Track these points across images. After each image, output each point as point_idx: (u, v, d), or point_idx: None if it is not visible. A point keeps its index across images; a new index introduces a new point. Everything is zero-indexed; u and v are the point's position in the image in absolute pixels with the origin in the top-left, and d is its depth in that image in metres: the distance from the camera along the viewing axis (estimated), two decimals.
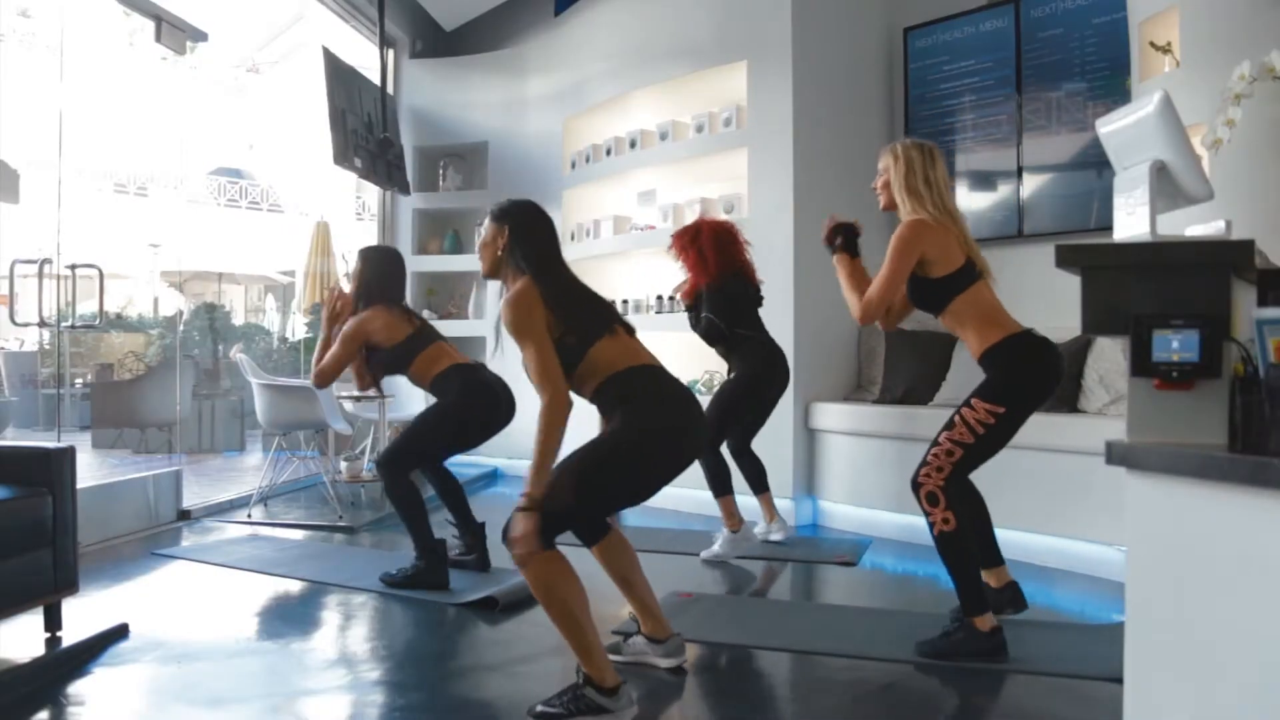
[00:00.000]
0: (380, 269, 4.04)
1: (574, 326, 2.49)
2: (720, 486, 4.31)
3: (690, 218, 5.87)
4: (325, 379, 3.91)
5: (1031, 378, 2.91)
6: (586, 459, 2.42)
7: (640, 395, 2.49)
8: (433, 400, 4.00)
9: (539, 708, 2.40)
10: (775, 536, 4.54)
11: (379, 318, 3.88)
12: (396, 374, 4.02)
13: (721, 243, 4.33)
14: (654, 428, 2.47)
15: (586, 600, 2.40)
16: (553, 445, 2.36)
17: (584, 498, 2.40)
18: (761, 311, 4.47)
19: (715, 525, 4.54)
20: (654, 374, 2.56)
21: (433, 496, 4.11)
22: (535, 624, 3.20)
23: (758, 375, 4.36)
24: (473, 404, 3.87)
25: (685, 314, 4.58)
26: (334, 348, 3.87)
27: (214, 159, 17.75)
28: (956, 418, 2.90)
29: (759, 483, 4.56)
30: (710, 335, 4.37)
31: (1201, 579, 1.54)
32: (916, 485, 2.92)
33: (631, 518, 5.16)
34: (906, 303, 3.14)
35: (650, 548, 4.32)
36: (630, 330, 2.64)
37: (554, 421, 2.37)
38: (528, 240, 2.61)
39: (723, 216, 5.68)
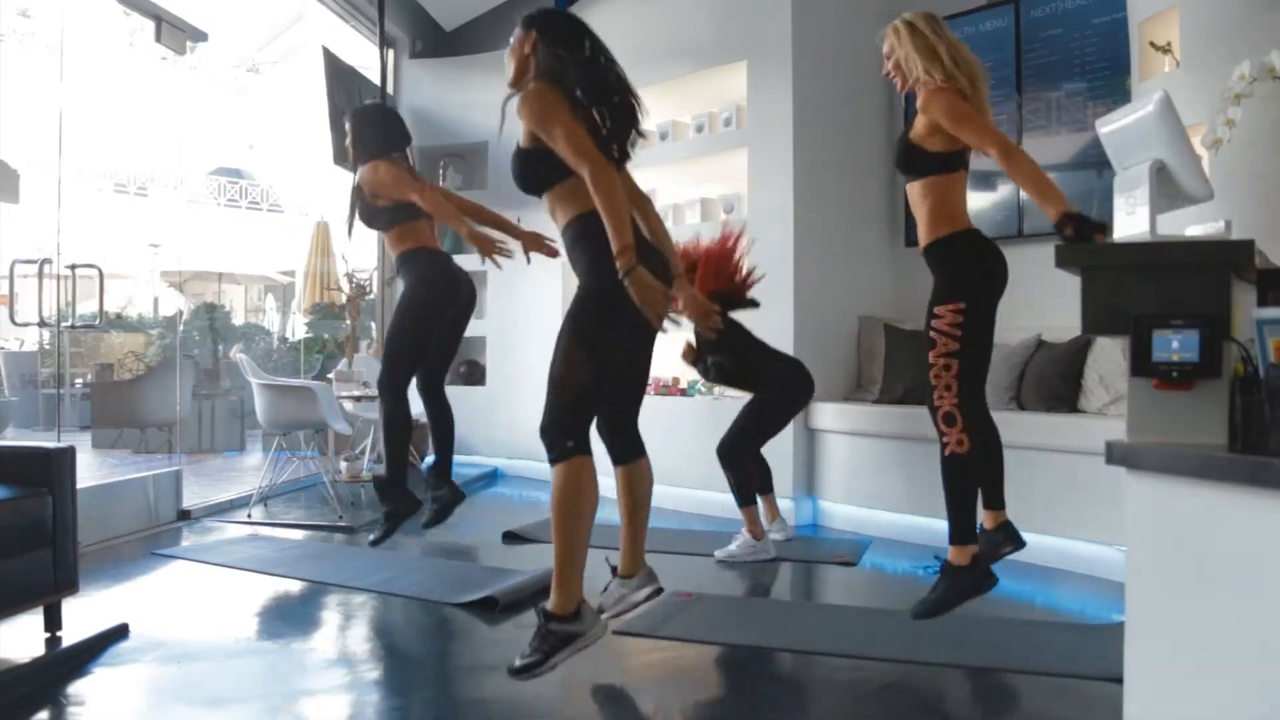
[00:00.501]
0: (374, 123, 4.05)
1: (595, 132, 2.46)
2: (745, 497, 4.31)
3: (690, 218, 5.89)
4: (437, 204, 3.84)
5: (973, 267, 2.94)
6: (576, 327, 2.45)
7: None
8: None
9: (517, 663, 2.43)
10: (776, 536, 4.54)
11: (383, 168, 3.89)
12: (375, 229, 4.04)
13: (707, 282, 4.26)
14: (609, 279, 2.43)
15: (591, 528, 2.43)
16: (618, 204, 2.35)
17: (593, 360, 2.42)
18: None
19: (715, 525, 4.55)
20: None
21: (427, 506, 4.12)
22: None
23: (783, 393, 4.38)
24: (431, 285, 3.89)
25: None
26: (412, 193, 3.79)
27: (214, 159, 17.74)
28: (931, 334, 2.91)
29: (764, 484, 4.56)
30: (723, 379, 4.38)
31: (1201, 579, 1.54)
32: (933, 408, 2.91)
33: None
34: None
35: (650, 548, 4.30)
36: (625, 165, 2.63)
37: (610, 185, 2.35)
38: (560, 44, 2.57)
39: (723, 216, 5.69)
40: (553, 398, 2.45)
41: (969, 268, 2.94)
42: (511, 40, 2.64)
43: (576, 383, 2.42)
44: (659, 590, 2.79)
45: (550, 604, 2.43)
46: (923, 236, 3.01)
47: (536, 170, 2.55)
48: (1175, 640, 1.57)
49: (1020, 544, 3.12)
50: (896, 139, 3.11)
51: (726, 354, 4.29)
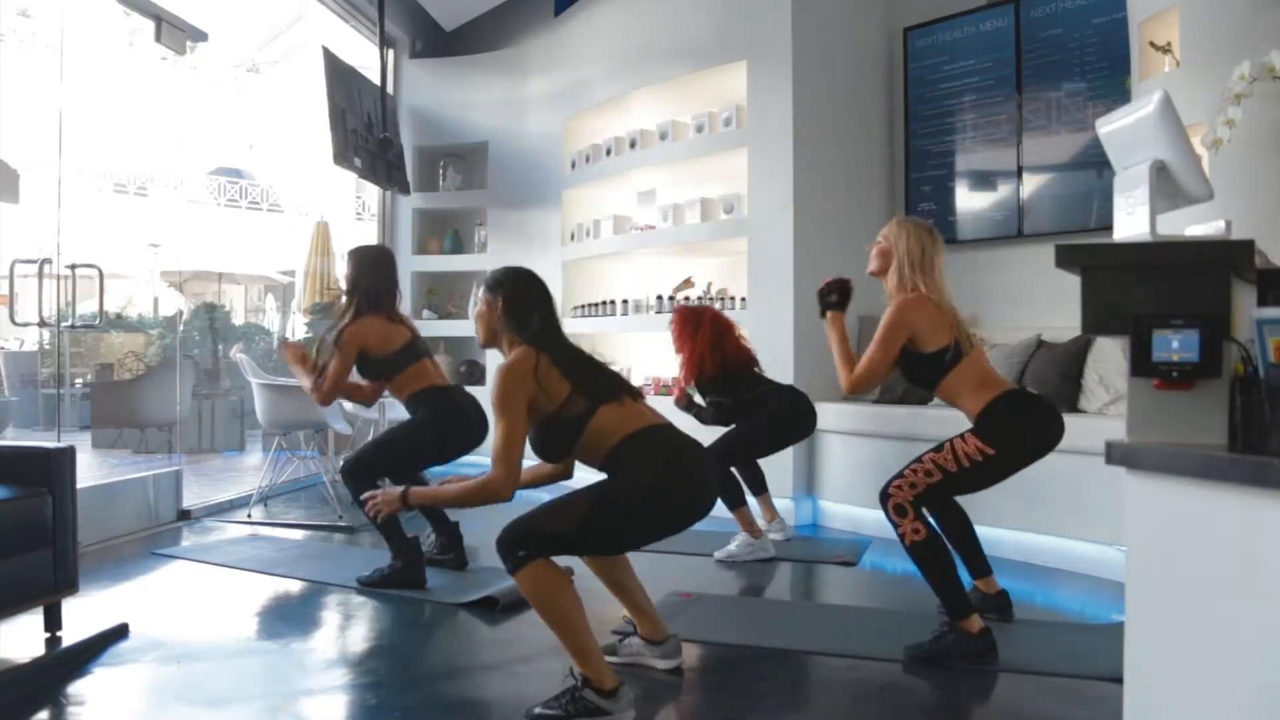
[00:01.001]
0: (375, 273, 3.99)
1: (584, 387, 2.47)
2: (733, 500, 4.31)
3: (690, 218, 5.89)
4: (329, 396, 3.91)
5: (1027, 426, 2.98)
6: (603, 497, 2.41)
7: (656, 450, 2.46)
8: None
9: (537, 710, 2.40)
10: (775, 535, 4.55)
11: (376, 326, 3.88)
12: (378, 381, 4.02)
13: (718, 341, 4.30)
14: (670, 483, 2.44)
15: (581, 604, 2.40)
16: (461, 504, 2.49)
17: (585, 532, 2.39)
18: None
19: (714, 526, 4.53)
20: (668, 431, 2.53)
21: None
22: (535, 624, 3.19)
23: (784, 424, 4.36)
24: (444, 424, 3.93)
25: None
26: (332, 361, 3.83)
27: (214, 159, 17.74)
28: (947, 444, 2.94)
29: (758, 484, 4.57)
30: (720, 420, 4.38)
31: (1201, 579, 1.54)
32: (885, 496, 2.95)
33: None
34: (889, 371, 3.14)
35: (650, 547, 4.31)
36: (637, 395, 2.59)
37: (483, 497, 2.43)
38: (525, 306, 2.58)
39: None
40: (526, 522, 2.39)
41: (1022, 431, 2.97)
42: (477, 301, 2.68)
43: (560, 534, 2.38)
44: (680, 670, 2.80)
45: (588, 672, 2.38)
46: (972, 413, 3.00)
47: (554, 439, 2.52)
48: (1175, 640, 1.57)
49: (1009, 618, 3.23)
50: (901, 366, 3.10)
51: (724, 395, 4.32)
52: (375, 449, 3.93)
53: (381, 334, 3.88)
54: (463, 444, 3.99)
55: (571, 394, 2.45)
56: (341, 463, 3.99)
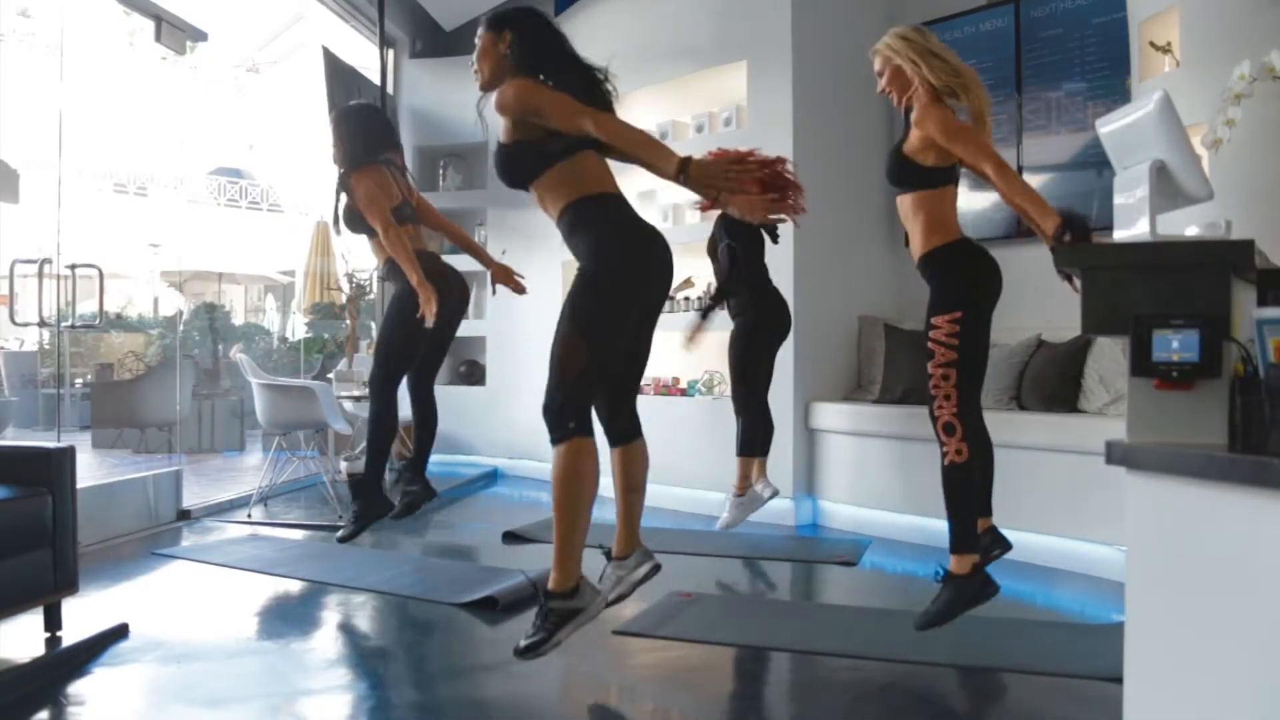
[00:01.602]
0: (358, 127, 3.94)
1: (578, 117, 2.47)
2: (747, 446, 4.38)
3: (690, 217, 5.88)
4: (402, 246, 3.76)
5: (968, 277, 2.98)
6: (577, 309, 2.46)
7: (613, 223, 2.52)
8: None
9: (522, 643, 2.44)
10: (765, 494, 4.54)
11: (371, 177, 3.80)
12: (357, 233, 4.00)
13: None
14: (630, 261, 2.50)
15: (593, 503, 2.46)
16: (632, 131, 2.45)
17: (594, 342, 2.44)
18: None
19: (713, 524, 4.54)
20: (620, 202, 2.58)
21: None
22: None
23: (761, 327, 4.46)
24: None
25: (689, 312, 4.60)
26: (376, 223, 3.74)
27: (214, 159, 17.74)
28: (929, 345, 2.94)
29: (764, 444, 4.58)
30: (728, 265, 4.36)
31: (1201, 579, 1.54)
32: (933, 417, 2.94)
33: None
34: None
35: (651, 547, 4.31)
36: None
37: (615, 122, 2.45)
38: (538, 53, 2.60)
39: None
40: (554, 379, 2.46)
41: (963, 278, 2.98)
42: (478, 43, 2.67)
43: (577, 364, 2.44)
44: (657, 567, 2.78)
45: (550, 582, 2.45)
46: (916, 249, 3.03)
47: (522, 163, 2.58)
48: (1175, 640, 1.57)
49: (1007, 546, 3.18)
50: (889, 150, 3.11)
51: (741, 244, 4.36)
52: (380, 343, 3.96)
53: (379, 184, 3.80)
54: (444, 306, 3.81)
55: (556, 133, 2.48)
56: (369, 377, 3.97)
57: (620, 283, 2.47)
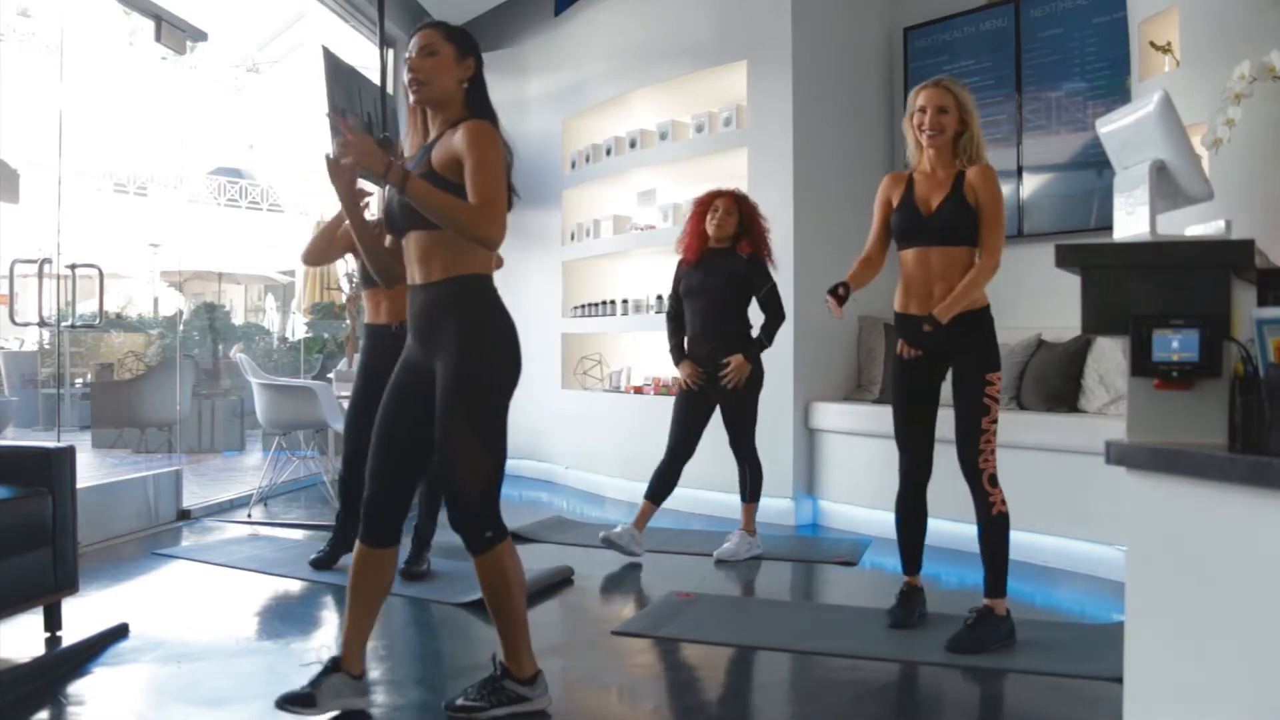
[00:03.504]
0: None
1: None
2: (754, 492, 4.32)
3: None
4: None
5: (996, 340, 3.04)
6: (471, 414, 2.28)
7: (499, 310, 2.36)
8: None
9: (459, 701, 2.39)
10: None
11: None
12: None
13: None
14: (515, 354, 2.37)
15: (524, 589, 2.43)
16: (452, 214, 2.22)
17: (494, 447, 2.33)
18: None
19: (715, 525, 4.55)
20: (493, 287, 2.39)
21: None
22: (534, 624, 3.20)
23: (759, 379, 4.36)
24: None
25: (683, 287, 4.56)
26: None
27: (214, 159, 17.74)
28: (985, 400, 2.95)
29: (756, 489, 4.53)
30: (778, 310, 4.30)
31: (1201, 579, 1.54)
32: (979, 469, 2.94)
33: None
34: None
35: (650, 547, 4.32)
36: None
37: (477, 220, 2.21)
38: (484, 89, 2.45)
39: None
40: (462, 495, 2.31)
41: (995, 340, 3.03)
42: (437, 51, 2.40)
43: (483, 476, 2.31)
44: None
45: (512, 667, 2.38)
46: (954, 305, 2.98)
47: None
48: (1175, 640, 1.57)
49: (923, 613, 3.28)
50: (943, 203, 3.05)
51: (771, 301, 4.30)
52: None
53: None
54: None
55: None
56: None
57: (508, 377, 2.34)
